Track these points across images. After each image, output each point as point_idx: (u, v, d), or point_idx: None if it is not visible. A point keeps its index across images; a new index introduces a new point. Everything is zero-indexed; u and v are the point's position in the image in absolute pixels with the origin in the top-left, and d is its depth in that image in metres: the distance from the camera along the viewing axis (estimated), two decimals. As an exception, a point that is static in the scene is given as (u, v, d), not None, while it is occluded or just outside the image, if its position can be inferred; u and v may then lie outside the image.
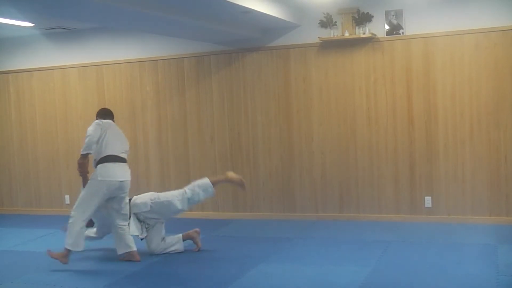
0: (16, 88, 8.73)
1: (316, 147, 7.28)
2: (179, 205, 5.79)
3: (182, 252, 5.90)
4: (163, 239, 5.89)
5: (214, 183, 5.88)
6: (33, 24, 7.45)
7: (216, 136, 7.72)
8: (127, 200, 5.78)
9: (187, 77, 7.83)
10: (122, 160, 5.68)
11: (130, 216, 5.75)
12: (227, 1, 5.45)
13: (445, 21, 6.64)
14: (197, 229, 6.05)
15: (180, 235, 5.97)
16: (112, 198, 5.65)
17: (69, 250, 5.45)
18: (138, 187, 8.12)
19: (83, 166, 5.53)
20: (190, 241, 6.03)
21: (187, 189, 5.86)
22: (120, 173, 5.61)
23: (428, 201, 6.85)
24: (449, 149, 6.74)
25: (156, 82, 7.98)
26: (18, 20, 6.97)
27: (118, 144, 5.68)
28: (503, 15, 6.44)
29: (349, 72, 7.07)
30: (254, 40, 7.42)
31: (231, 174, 6.04)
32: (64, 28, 8.03)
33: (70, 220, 5.46)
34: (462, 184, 6.72)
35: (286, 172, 7.44)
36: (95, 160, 5.64)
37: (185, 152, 7.88)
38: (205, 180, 5.88)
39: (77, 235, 5.42)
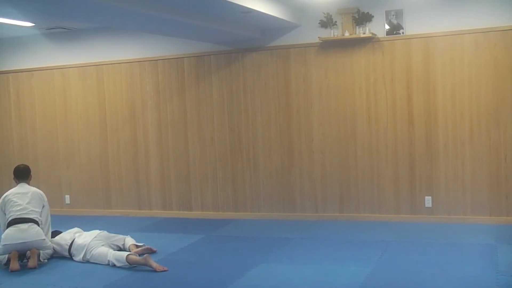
0: (16, 88, 8.73)
1: (316, 147, 7.28)
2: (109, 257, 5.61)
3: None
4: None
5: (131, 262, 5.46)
6: (33, 24, 7.45)
7: (216, 136, 7.72)
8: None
9: (187, 77, 7.83)
10: (25, 220, 5.71)
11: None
12: (227, 1, 5.45)
13: (445, 21, 6.64)
14: (144, 257, 5.45)
15: (124, 256, 5.50)
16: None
17: (12, 255, 5.62)
18: (138, 187, 8.14)
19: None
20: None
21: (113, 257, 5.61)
22: (22, 235, 5.64)
23: (428, 201, 6.85)
24: (449, 149, 6.74)
25: (156, 82, 7.97)
26: (18, 20, 6.98)
27: (20, 207, 5.77)
28: (503, 15, 6.44)
29: (349, 72, 7.07)
30: (254, 40, 7.42)
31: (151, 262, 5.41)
32: (64, 28, 8.03)
33: None
34: (462, 184, 6.72)
35: (286, 172, 7.44)
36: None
37: (185, 152, 7.88)
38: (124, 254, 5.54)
39: None
